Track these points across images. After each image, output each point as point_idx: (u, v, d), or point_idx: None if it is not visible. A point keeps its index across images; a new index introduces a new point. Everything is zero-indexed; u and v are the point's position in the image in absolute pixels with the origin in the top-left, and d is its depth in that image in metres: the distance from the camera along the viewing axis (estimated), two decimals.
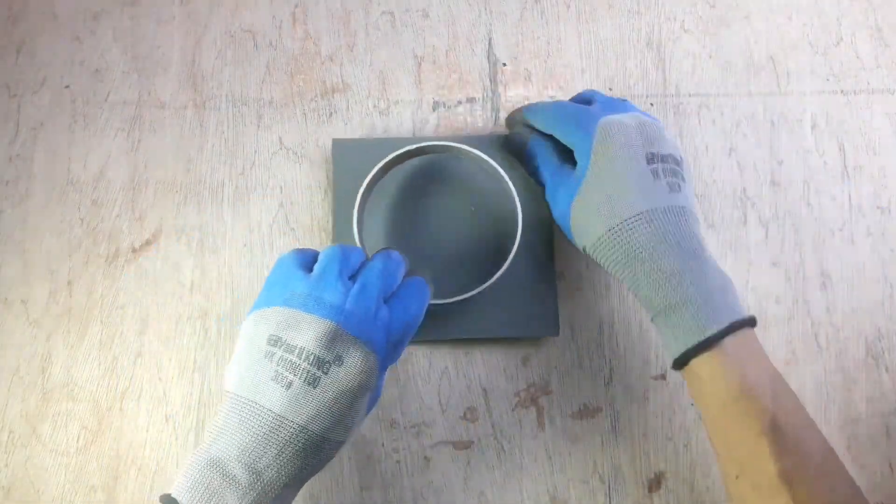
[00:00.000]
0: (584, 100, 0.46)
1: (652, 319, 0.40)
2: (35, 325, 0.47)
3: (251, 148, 0.51)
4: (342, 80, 0.53)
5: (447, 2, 0.55)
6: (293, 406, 0.34)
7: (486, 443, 0.47)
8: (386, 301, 0.37)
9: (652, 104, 0.54)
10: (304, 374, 0.34)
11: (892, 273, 0.52)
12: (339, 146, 0.50)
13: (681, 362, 0.38)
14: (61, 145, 0.51)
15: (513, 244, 0.47)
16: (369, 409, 0.38)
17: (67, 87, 0.52)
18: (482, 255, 0.49)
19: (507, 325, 0.48)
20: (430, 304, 0.45)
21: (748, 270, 0.52)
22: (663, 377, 0.49)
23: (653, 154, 0.40)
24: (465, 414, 0.48)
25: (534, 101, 0.54)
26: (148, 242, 0.49)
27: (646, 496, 0.47)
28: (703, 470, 0.48)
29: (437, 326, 0.47)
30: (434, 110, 0.53)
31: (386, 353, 0.36)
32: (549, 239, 0.49)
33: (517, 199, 0.46)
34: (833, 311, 0.51)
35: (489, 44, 0.55)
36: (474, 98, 0.54)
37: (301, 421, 0.34)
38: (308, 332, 0.34)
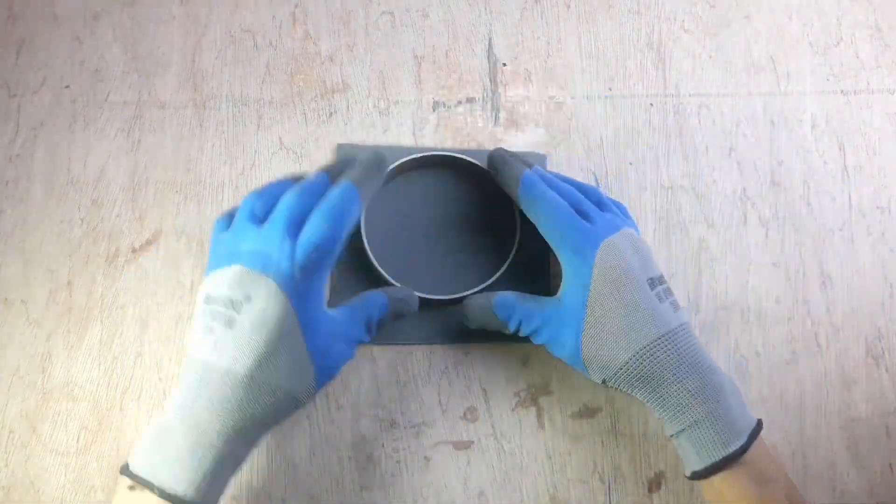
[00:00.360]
0: (578, 199, 0.43)
1: (672, 436, 0.40)
2: (35, 325, 0.47)
3: (251, 148, 0.51)
4: (342, 80, 0.53)
5: (447, 2, 0.55)
6: (216, 350, 0.36)
7: (486, 443, 0.47)
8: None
9: (652, 104, 0.54)
10: (222, 318, 0.36)
11: (892, 273, 0.52)
12: (343, 151, 0.51)
13: (702, 475, 0.39)
14: (61, 145, 0.51)
15: (508, 250, 0.48)
16: (324, 353, 0.38)
17: (67, 87, 0.52)
18: (479, 260, 0.49)
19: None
20: (428, 301, 0.46)
21: (748, 270, 0.52)
22: None
23: (651, 279, 0.40)
24: (465, 414, 0.48)
25: (533, 100, 0.54)
26: (148, 242, 0.49)
27: (646, 496, 0.47)
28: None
29: (434, 330, 0.48)
30: (434, 110, 0.53)
31: (293, 280, 0.37)
32: (543, 245, 0.50)
33: (515, 207, 0.47)
34: (833, 311, 0.51)
35: (489, 44, 0.55)
36: (474, 98, 0.54)
37: (224, 363, 0.35)
38: (223, 281, 0.37)
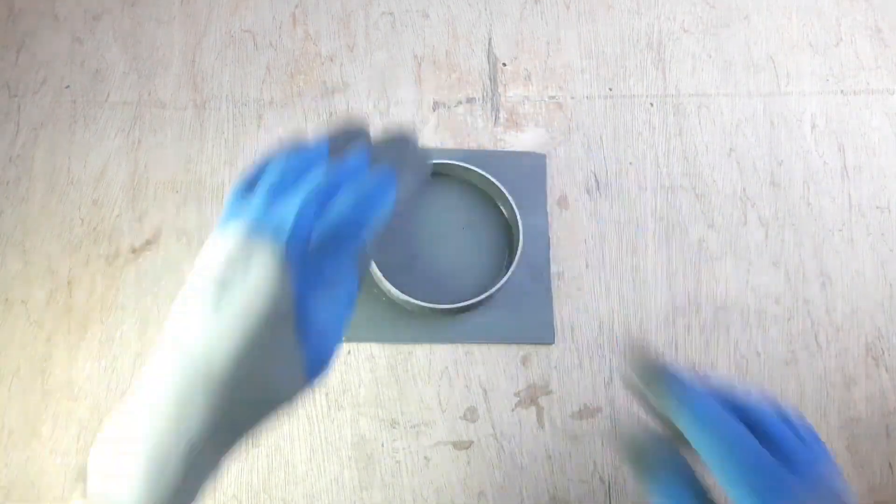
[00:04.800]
0: (765, 425, 0.32)
1: None
2: (35, 325, 0.47)
3: (251, 148, 0.51)
4: (342, 81, 0.53)
5: (447, 2, 0.55)
6: (196, 331, 0.29)
7: (486, 443, 0.47)
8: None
9: (652, 104, 0.54)
10: (210, 290, 0.29)
11: (892, 273, 0.52)
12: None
13: None
14: (61, 145, 0.51)
15: (507, 256, 0.48)
16: (317, 345, 0.31)
17: (67, 87, 0.52)
18: (480, 266, 0.49)
19: (504, 333, 0.49)
20: (430, 310, 0.46)
21: (748, 270, 0.52)
22: None
23: None
24: (465, 414, 0.48)
25: (533, 100, 0.54)
26: (148, 242, 0.49)
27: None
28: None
29: (437, 332, 0.48)
30: (434, 110, 0.53)
31: (303, 257, 0.31)
32: (544, 250, 0.50)
33: (518, 215, 0.48)
34: (833, 311, 0.51)
35: (489, 44, 0.55)
36: (474, 98, 0.54)
37: (201, 349, 0.29)
38: (223, 245, 0.30)
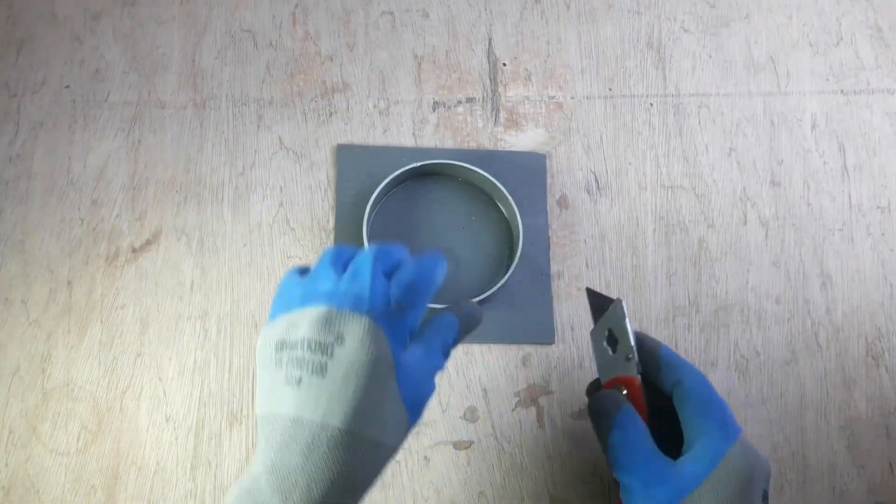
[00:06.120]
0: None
1: None
2: (35, 324, 0.47)
3: (251, 148, 0.51)
4: (342, 80, 0.53)
5: (447, 2, 0.55)
6: (306, 403, 0.31)
7: (486, 443, 0.47)
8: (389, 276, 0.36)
9: (652, 104, 0.54)
10: (310, 366, 0.31)
11: (892, 273, 0.52)
12: (343, 152, 0.51)
13: None
14: (61, 145, 0.51)
15: (507, 256, 0.48)
16: (415, 395, 0.34)
17: (67, 87, 0.52)
18: (479, 266, 0.49)
19: (504, 333, 0.49)
20: (430, 309, 0.46)
21: (748, 270, 0.52)
22: None
23: (764, 491, 0.37)
24: (465, 414, 0.48)
25: (533, 100, 0.54)
26: (148, 242, 0.49)
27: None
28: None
29: None
30: (434, 110, 0.53)
31: (391, 318, 0.33)
32: (544, 250, 0.50)
33: (518, 214, 0.48)
34: (833, 311, 0.51)
35: (489, 44, 0.55)
36: (474, 98, 0.54)
37: (318, 418, 0.31)
38: (305, 323, 0.33)
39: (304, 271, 0.37)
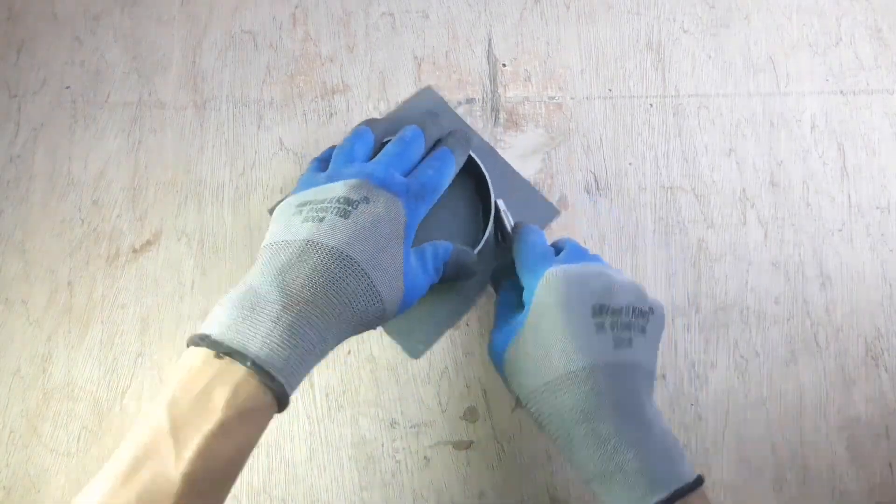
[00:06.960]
0: (558, 247, 0.42)
1: (586, 483, 0.35)
2: (35, 325, 0.47)
3: (251, 148, 0.51)
4: (342, 81, 0.53)
5: (447, 2, 0.56)
6: (323, 232, 0.34)
7: (486, 443, 0.47)
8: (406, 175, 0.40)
9: (651, 105, 0.55)
10: (335, 210, 0.35)
11: (892, 273, 0.52)
12: (426, 98, 0.51)
13: None
14: (61, 145, 0.51)
15: (484, 220, 0.48)
16: (412, 283, 0.38)
17: (67, 87, 0.52)
18: (459, 238, 0.49)
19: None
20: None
21: (747, 271, 0.52)
22: (663, 377, 0.49)
23: (602, 306, 0.36)
24: (465, 414, 0.48)
25: (533, 100, 0.54)
26: (148, 242, 0.49)
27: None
28: (702, 469, 0.48)
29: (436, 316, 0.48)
30: None
31: (408, 202, 0.38)
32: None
33: (492, 189, 0.47)
34: (833, 311, 0.51)
35: (489, 44, 0.55)
36: (474, 98, 0.54)
37: (332, 243, 0.34)
38: (336, 188, 0.37)
39: (323, 163, 0.43)
